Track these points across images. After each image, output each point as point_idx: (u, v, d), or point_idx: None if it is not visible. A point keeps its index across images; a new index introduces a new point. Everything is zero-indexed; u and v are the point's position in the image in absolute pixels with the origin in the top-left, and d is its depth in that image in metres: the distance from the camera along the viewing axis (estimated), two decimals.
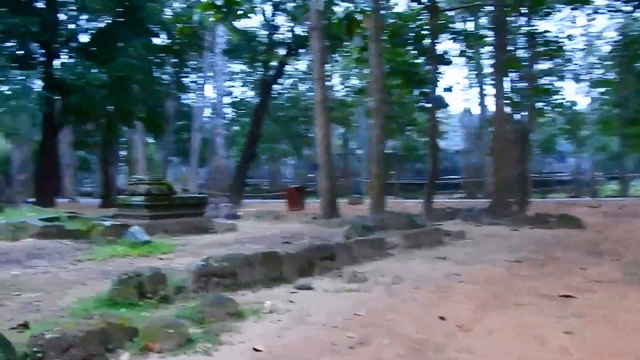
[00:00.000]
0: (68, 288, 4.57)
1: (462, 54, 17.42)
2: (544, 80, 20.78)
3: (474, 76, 30.36)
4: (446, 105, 19.61)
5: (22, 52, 23.03)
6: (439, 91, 19.51)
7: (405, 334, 3.45)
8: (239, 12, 13.78)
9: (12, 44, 22.59)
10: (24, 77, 21.50)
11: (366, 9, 12.41)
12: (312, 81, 13.62)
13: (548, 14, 17.32)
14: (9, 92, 23.68)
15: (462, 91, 40.34)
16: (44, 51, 23.06)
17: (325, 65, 13.44)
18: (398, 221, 8.74)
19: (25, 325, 3.41)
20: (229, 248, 6.72)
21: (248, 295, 4.61)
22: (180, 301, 4.36)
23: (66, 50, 23.22)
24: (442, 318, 3.80)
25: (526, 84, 14.89)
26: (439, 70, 19.30)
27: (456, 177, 33.37)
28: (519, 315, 3.89)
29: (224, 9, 12.01)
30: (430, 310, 4.06)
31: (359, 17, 11.46)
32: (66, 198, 30.13)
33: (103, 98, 23.50)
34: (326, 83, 13.01)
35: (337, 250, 6.13)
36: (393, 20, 16.06)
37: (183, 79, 36.19)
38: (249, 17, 20.49)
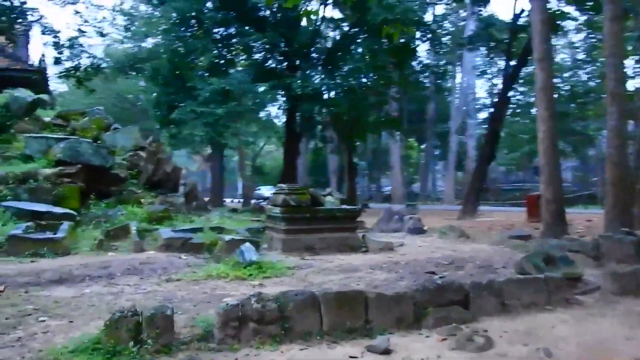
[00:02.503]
0: (101, 317, 3.97)
1: None
2: None
3: None
4: None
5: (267, 66, 25.32)
6: None
7: None
8: None
9: (259, 58, 25.06)
10: (269, 89, 23.43)
11: None
12: (534, 63, 10.99)
13: None
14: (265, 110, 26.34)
15: None
16: (285, 64, 24.90)
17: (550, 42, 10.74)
18: (620, 248, 6.09)
19: None
20: (347, 276, 5.42)
21: (285, 355, 3.31)
22: (189, 352, 3.34)
23: (305, 61, 24.35)
24: None
25: None
26: None
27: None
28: None
29: None
30: None
31: None
32: None
33: (336, 105, 24.23)
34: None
35: (474, 293, 4.29)
36: None
37: (434, 80, 35.47)
38: None
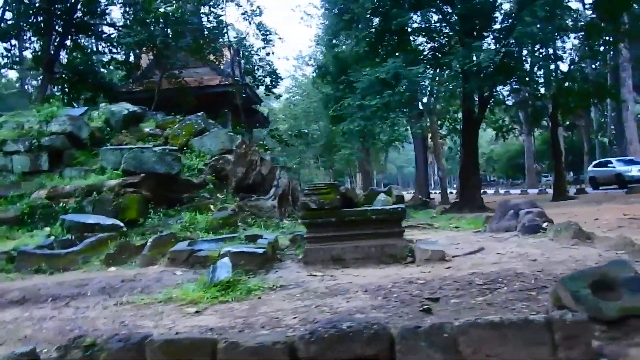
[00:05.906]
0: None
1: None
2: None
3: None
4: None
5: (438, 45, 23.72)
6: None
7: None
8: None
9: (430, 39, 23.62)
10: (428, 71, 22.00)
11: None
12: None
13: None
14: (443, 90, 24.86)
15: None
16: (454, 40, 23.03)
17: None
18: None
19: None
20: (306, 304, 4.26)
21: None
22: None
23: (477, 35, 22.04)
24: None
25: None
26: None
27: None
28: None
29: None
30: None
31: None
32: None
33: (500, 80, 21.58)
34: None
35: (405, 343, 2.85)
36: None
37: None
38: None
